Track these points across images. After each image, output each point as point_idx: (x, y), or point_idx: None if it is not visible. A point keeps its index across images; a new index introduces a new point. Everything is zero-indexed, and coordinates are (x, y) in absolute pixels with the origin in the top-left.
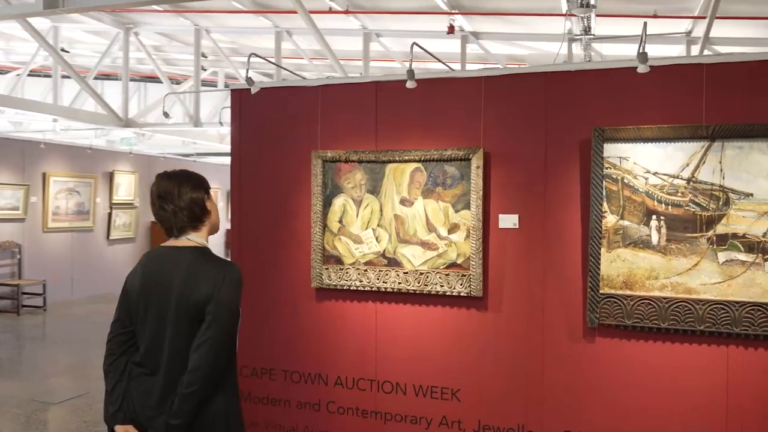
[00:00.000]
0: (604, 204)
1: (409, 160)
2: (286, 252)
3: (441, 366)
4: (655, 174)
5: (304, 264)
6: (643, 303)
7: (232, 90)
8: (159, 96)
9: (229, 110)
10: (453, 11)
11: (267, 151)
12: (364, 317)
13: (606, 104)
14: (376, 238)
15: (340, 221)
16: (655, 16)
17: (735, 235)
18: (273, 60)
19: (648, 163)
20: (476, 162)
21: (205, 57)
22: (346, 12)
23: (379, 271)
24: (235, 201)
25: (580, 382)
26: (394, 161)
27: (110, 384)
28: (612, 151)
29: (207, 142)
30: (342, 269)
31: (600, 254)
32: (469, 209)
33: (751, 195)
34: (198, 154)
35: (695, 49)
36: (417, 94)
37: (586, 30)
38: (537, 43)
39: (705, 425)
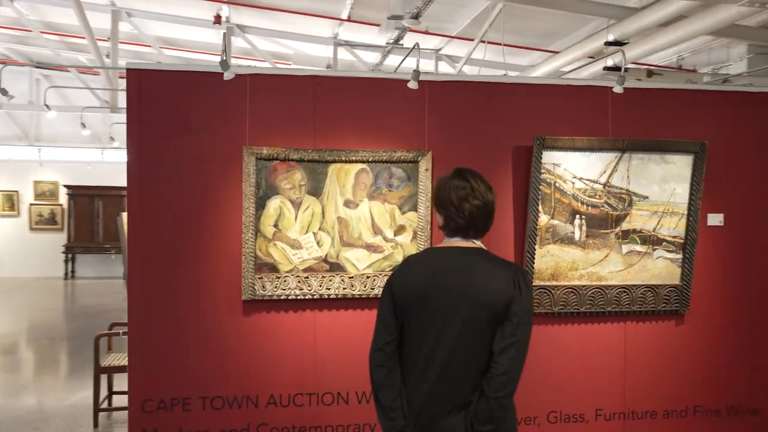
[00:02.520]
0: (539, 205)
1: (356, 161)
2: (207, 262)
3: None
4: (580, 179)
5: (232, 275)
6: (566, 291)
7: (128, 70)
8: None
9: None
10: (223, 0)
11: (178, 144)
12: (302, 328)
13: (533, 116)
14: (317, 243)
15: (276, 225)
16: (426, 32)
17: (634, 231)
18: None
19: (575, 169)
20: (425, 164)
21: None
22: None
23: (322, 277)
24: (133, 203)
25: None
26: (340, 161)
27: (389, 398)
28: (547, 158)
29: None
30: (279, 278)
31: (535, 250)
32: (416, 211)
33: (647, 197)
34: None
35: (442, 65)
36: (357, 92)
37: (397, 41)
38: (302, 44)
39: (611, 391)
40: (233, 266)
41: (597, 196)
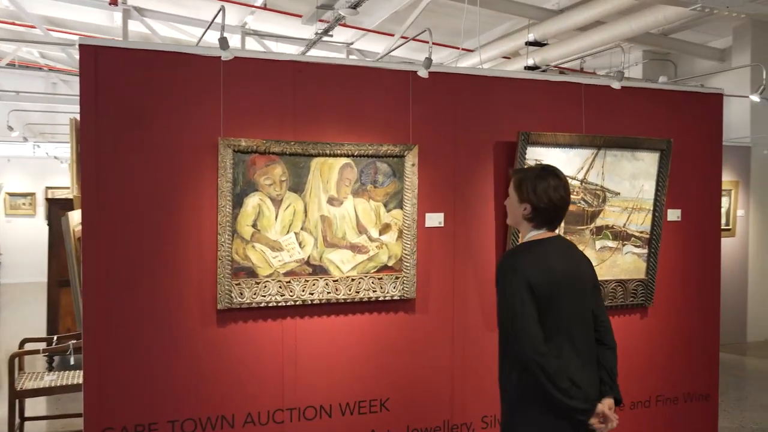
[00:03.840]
0: None
1: (341, 155)
2: (177, 268)
3: (370, 377)
4: None
5: (206, 281)
6: None
7: (82, 46)
8: None
9: None
10: None
11: (143, 135)
12: (282, 337)
13: (512, 111)
14: (300, 244)
15: (254, 225)
16: (344, 26)
17: (607, 227)
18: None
19: (556, 165)
20: (411, 159)
21: None
22: None
23: (305, 281)
24: (89, 201)
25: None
26: (324, 155)
27: (565, 380)
28: (530, 154)
29: None
30: (258, 283)
31: None
32: (401, 208)
33: (619, 194)
34: None
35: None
36: (338, 80)
37: (326, 31)
38: (200, 31)
39: None
40: (206, 272)
41: (575, 193)
